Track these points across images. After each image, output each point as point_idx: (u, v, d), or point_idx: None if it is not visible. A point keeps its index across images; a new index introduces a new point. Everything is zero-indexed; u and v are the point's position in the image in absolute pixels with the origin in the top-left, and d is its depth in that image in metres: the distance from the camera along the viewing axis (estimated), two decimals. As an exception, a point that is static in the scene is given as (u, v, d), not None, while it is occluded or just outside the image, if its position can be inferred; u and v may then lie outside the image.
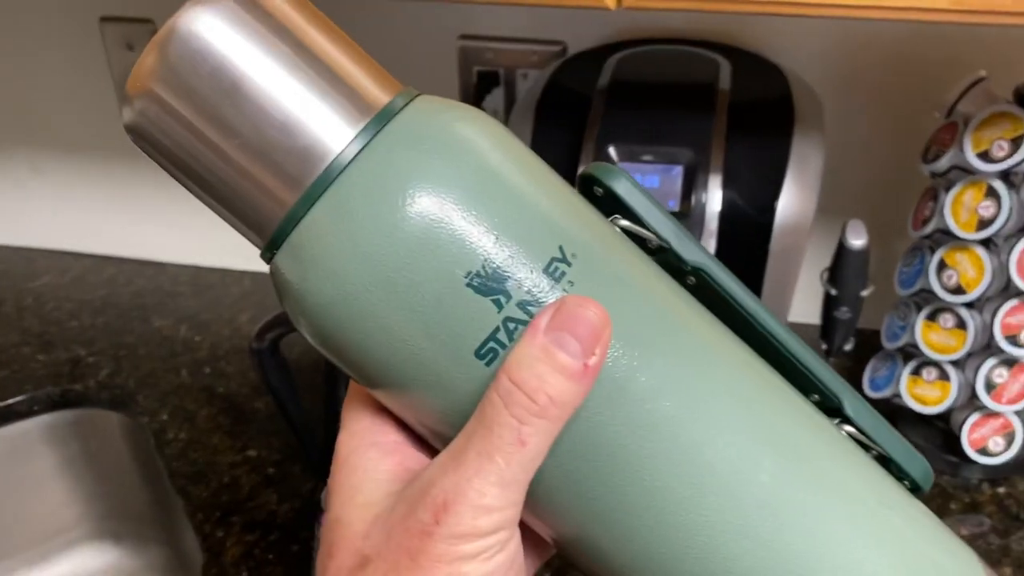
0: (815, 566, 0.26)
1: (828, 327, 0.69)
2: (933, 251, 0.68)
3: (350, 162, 0.24)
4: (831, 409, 0.29)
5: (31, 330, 0.93)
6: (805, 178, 0.61)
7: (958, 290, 0.66)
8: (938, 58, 0.74)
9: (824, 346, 0.71)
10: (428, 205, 0.23)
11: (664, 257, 0.28)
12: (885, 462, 0.30)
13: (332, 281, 0.24)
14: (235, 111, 0.24)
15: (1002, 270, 0.65)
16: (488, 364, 0.24)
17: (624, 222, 0.28)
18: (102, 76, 0.94)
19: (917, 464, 0.30)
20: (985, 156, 0.62)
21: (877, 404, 0.77)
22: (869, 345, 0.80)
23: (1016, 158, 0.61)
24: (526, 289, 0.24)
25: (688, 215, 0.59)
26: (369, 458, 0.27)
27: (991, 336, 0.66)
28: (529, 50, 0.82)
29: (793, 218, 0.61)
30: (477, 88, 0.84)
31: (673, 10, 0.49)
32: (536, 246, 0.24)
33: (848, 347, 0.70)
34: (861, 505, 0.28)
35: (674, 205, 0.60)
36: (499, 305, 0.24)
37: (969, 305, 0.68)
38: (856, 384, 0.79)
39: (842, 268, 0.66)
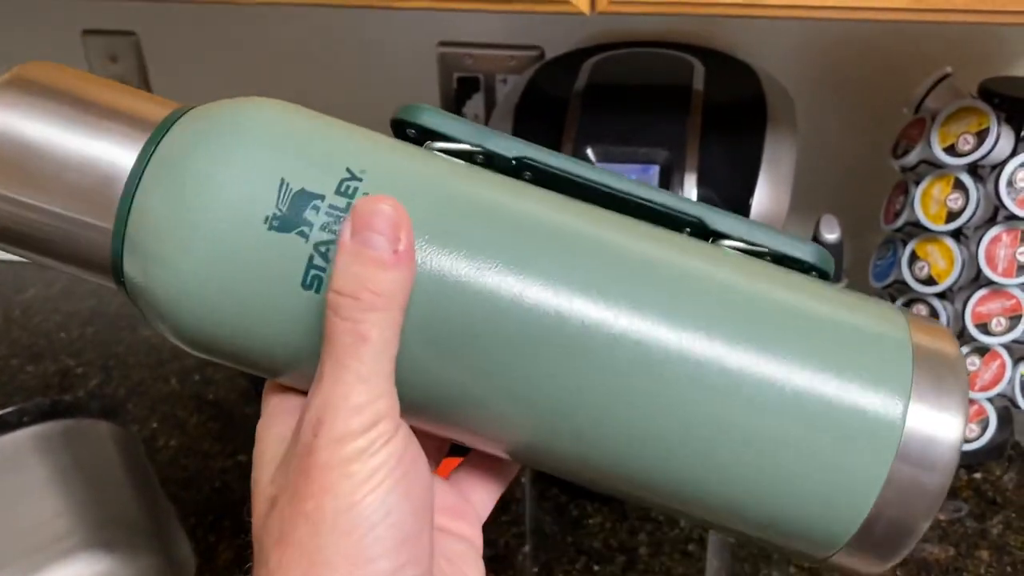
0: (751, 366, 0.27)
1: (805, 320, 0.71)
2: (905, 244, 0.70)
3: (142, 173, 0.28)
4: (704, 234, 0.30)
5: (19, 342, 0.94)
6: (778, 175, 0.63)
7: (929, 281, 0.68)
8: (906, 55, 0.76)
9: (802, 339, 0.72)
10: (209, 175, 0.27)
11: (497, 164, 0.30)
12: (782, 262, 0.30)
13: (168, 270, 0.27)
14: (40, 174, 0.28)
15: (971, 261, 0.67)
16: (317, 292, 0.27)
17: (440, 144, 0.30)
18: (86, 89, 0.94)
19: (807, 249, 0.30)
20: (952, 150, 0.64)
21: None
22: (847, 337, 0.82)
23: (981, 151, 0.62)
24: (324, 212, 0.27)
25: (665, 213, 0.61)
26: (274, 424, 0.29)
27: (963, 325, 0.68)
28: (507, 55, 0.83)
29: (767, 214, 0.62)
30: (458, 94, 0.86)
31: (645, 14, 0.51)
32: (321, 173, 0.27)
33: (825, 339, 0.72)
34: (750, 298, 0.28)
35: (651, 204, 0.61)
36: (304, 236, 0.26)
37: (941, 295, 0.70)
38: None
39: (817, 262, 0.67)
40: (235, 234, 0.26)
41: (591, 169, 0.30)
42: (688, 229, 0.30)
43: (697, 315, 0.27)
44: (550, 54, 0.82)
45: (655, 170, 0.61)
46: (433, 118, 0.30)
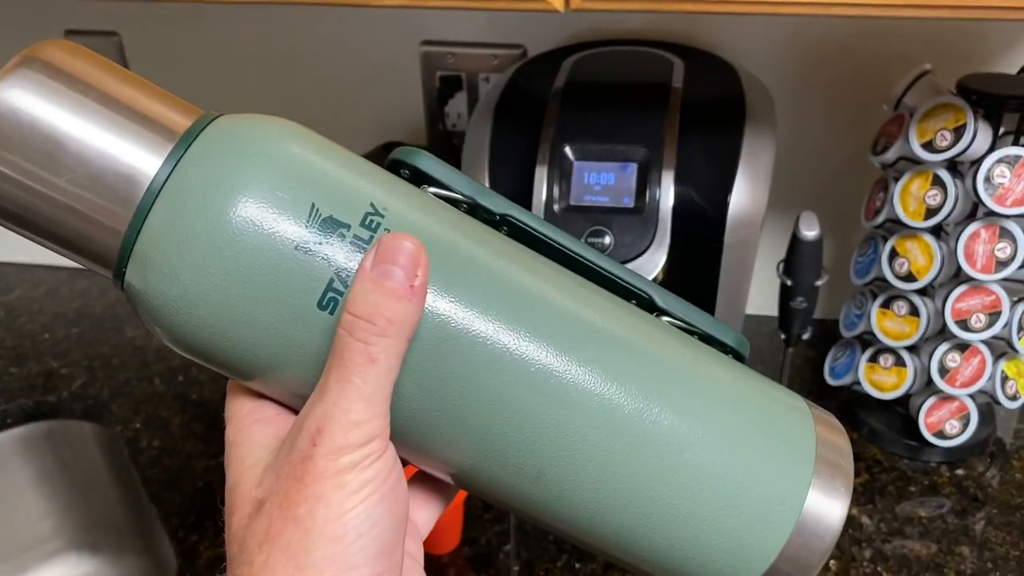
0: (665, 434, 0.31)
1: (785, 317, 0.71)
2: (885, 240, 0.70)
3: (166, 180, 0.28)
4: (650, 308, 0.34)
5: (3, 343, 0.94)
6: (757, 172, 0.63)
7: (909, 277, 0.68)
8: (886, 52, 0.76)
9: (783, 335, 0.73)
10: (239, 196, 0.27)
11: (479, 215, 0.33)
12: (708, 342, 0.35)
13: (173, 281, 0.27)
14: (55, 163, 0.27)
15: (951, 257, 0.67)
16: (331, 313, 0.28)
17: (433, 189, 0.33)
18: (69, 90, 0.94)
19: (730, 335, 0.35)
20: (929, 146, 0.64)
21: (838, 391, 0.79)
22: (830, 335, 0.82)
23: (958, 148, 0.62)
24: (349, 241, 0.28)
25: (643, 211, 0.61)
26: (253, 432, 0.30)
27: (943, 322, 0.68)
28: (490, 54, 0.83)
29: (746, 211, 0.62)
30: (440, 92, 0.86)
31: (620, 11, 0.51)
32: (349, 204, 0.28)
33: (805, 336, 0.72)
34: (691, 372, 0.32)
35: (629, 201, 0.61)
36: (327, 261, 0.28)
37: (921, 292, 0.70)
38: (817, 373, 0.81)
39: (796, 259, 0.67)
40: (260, 255, 0.27)
41: (564, 236, 0.34)
42: (635, 301, 0.34)
43: (652, 387, 0.31)
44: (532, 53, 0.82)
45: (633, 168, 0.61)
46: (432, 166, 0.32)
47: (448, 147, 0.88)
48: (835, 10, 0.49)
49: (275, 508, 0.27)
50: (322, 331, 0.28)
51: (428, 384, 0.29)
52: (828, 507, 0.32)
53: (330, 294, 0.28)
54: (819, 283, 0.68)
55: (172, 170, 0.28)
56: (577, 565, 0.66)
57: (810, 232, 0.66)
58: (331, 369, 0.27)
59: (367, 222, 0.28)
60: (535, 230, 0.33)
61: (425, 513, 0.36)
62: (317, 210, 0.28)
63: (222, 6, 0.87)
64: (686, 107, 0.64)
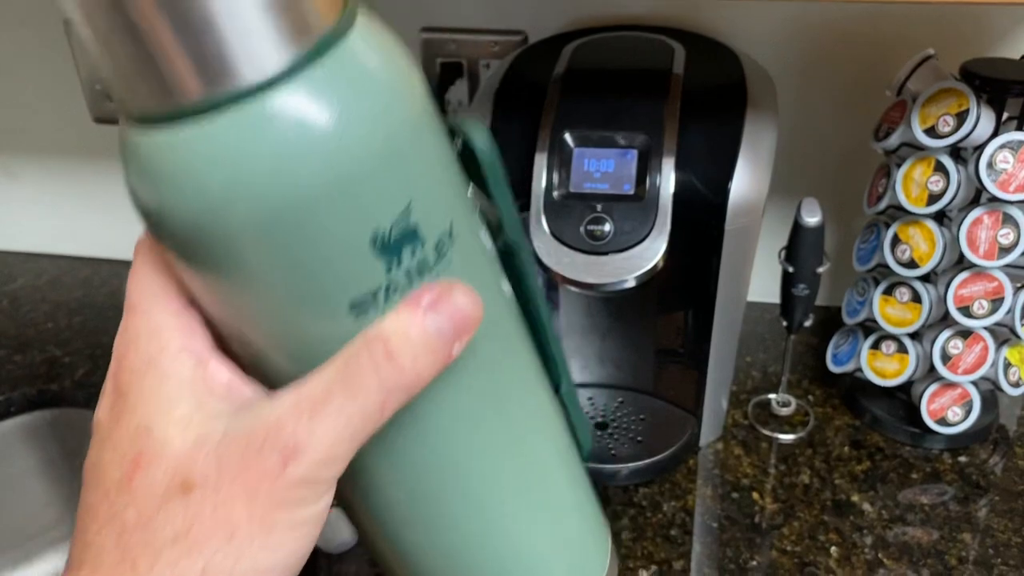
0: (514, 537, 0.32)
1: (787, 304, 0.70)
2: (888, 227, 0.70)
3: (283, 82, 0.22)
4: (555, 384, 0.34)
5: (7, 332, 0.94)
6: (758, 159, 0.62)
7: (911, 264, 0.68)
8: (889, 37, 0.76)
9: (785, 323, 0.72)
10: (362, 147, 0.22)
11: (484, 217, 0.29)
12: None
13: (218, 201, 0.22)
14: None
15: (953, 243, 0.67)
16: (356, 317, 0.24)
17: (472, 188, 0.28)
18: (71, 80, 0.94)
19: (588, 435, 0.36)
20: (932, 132, 0.64)
21: (840, 378, 0.79)
22: (833, 322, 0.82)
23: (961, 133, 0.62)
24: (418, 259, 0.24)
25: (643, 198, 0.60)
26: (182, 364, 0.26)
27: (945, 308, 0.68)
28: (491, 40, 0.83)
29: (747, 198, 0.62)
30: (441, 79, 0.85)
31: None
32: (437, 217, 0.24)
33: (807, 323, 0.72)
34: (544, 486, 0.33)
35: (629, 188, 0.61)
36: (389, 268, 0.24)
37: (924, 278, 0.70)
38: (820, 360, 0.81)
39: (798, 246, 0.67)
40: (333, 221, 0.22)
41: (540, 293, 0.32)
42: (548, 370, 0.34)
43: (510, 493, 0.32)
44: (534, 39, 0.81)
45: (633, 154, 0.61)
46: (491, 167, 0.28)
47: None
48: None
49: (208, 508, 0.24)
50: (337, 325, 0.24)
51: (382, 445, 0.27)
52: None
53: (367, 302, 0.24)
54: (821, 270, 0.68)
55: (295, 73, 0.22)
56: (578, 552, 0.66)
57: (812, 219, 0.66)
58: (336, 393, 0.24)
59: (439, 245, 0.24)
60: (523, 277, 0.30)
61: None
62: (410, 211, 0.23)
63: None
64: (687, 93, 0.63)
